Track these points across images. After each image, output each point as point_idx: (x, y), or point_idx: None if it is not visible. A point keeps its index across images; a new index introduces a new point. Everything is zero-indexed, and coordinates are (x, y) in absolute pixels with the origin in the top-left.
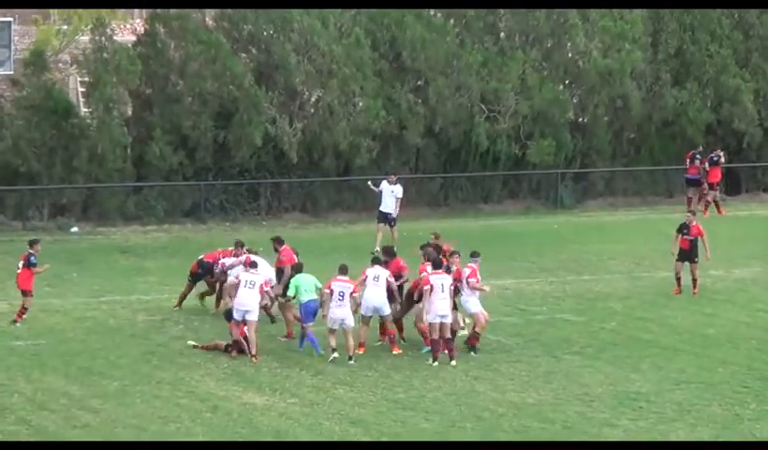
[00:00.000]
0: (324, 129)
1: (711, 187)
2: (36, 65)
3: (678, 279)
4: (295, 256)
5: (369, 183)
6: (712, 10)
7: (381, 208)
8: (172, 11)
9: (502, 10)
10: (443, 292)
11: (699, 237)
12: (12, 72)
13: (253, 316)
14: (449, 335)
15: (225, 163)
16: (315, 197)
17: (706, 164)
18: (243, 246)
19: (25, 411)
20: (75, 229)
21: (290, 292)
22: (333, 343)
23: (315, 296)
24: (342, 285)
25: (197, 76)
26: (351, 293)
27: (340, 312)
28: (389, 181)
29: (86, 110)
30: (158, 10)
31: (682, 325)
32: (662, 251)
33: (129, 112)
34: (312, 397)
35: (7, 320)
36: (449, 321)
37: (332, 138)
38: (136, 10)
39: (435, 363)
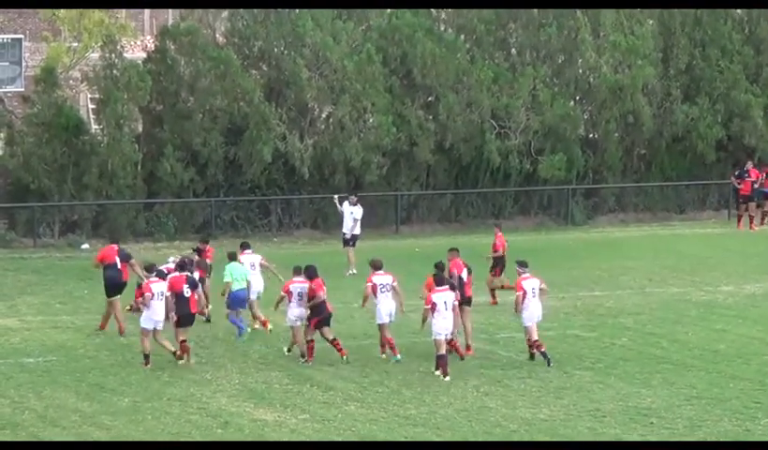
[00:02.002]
0: (335, 146)
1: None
2: (47, 82)
3: None
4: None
5: (335, 198)
6: (722, 25)
7: (343, 229)
8: (182, 27)
9: (513, 25)
10: (447, 309)
11: None
12: (23, 89)
13: (161, 325)
14: (443, 351)
15: (236, 179)
16: (325, 213)
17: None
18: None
19: (36, 427)
20: (86, 246)
21: (226, 278)
22: (299, 339)
23: (244, 286)
24: (300, 286)
25: (207, 92)
26: (307, 293)
27: (299, 312)
28: (350, 201)
29: (97, 127)
30: (168, 26)
31: (693, 341)
32: (673, 267)
33: (140, 129)
34: (323, 414)
35: (19, 336)
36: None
37: (343, 154)
38: (146, 27)
39: (447, 378)
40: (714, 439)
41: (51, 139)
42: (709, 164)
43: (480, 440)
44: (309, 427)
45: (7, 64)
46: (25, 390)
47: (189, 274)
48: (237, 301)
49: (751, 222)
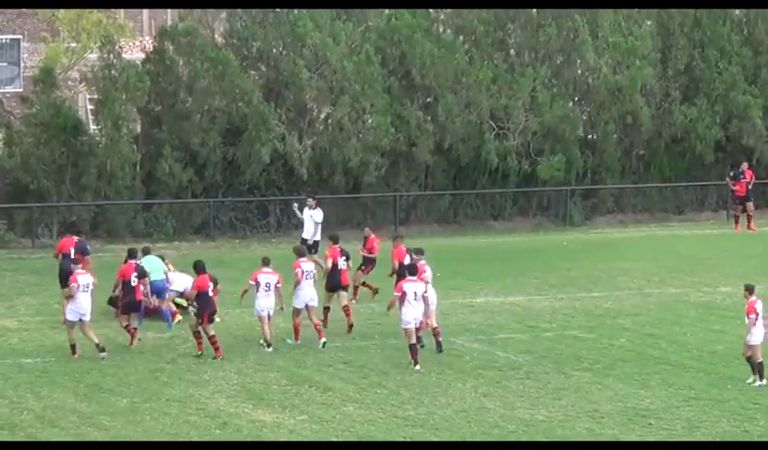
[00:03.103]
0: (334, 146)
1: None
2: (46, 82)
3: None
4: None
5: (294, 205)
6: (721, 26)
7: (303, 234)
8: (181, 27)
9: (511, 26)
10: (416, 299)
11: None
12: (22, 90)
13: (87, 317)
14: (413, 340)
15: (234, 180)
16: (324, 214)
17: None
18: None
19: (35, 428)
20: None
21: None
22: (267, 333)
23: (162, 277)
24: (268, 277)
25: (206, 93)
26: (276, 284)
27: (267, 302)
28: (309, 205)
29: (95, 127)
30: (167, 27)
31: (691, 342)
32: (671, 268)
33: (138, 130)
34: (321, 414)
35: (17, 337)
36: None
37: (342, 155)
38: (145, 27)
39: (417, 367)
40: (712, 440)
41: (50, 139)
42: (708, 165)
43: (478, 440)
44: (307, 428)
45: (6, 64)
46: (23, 390)
47: (138, 263)
48: (156, 290)
49: (749, 222)
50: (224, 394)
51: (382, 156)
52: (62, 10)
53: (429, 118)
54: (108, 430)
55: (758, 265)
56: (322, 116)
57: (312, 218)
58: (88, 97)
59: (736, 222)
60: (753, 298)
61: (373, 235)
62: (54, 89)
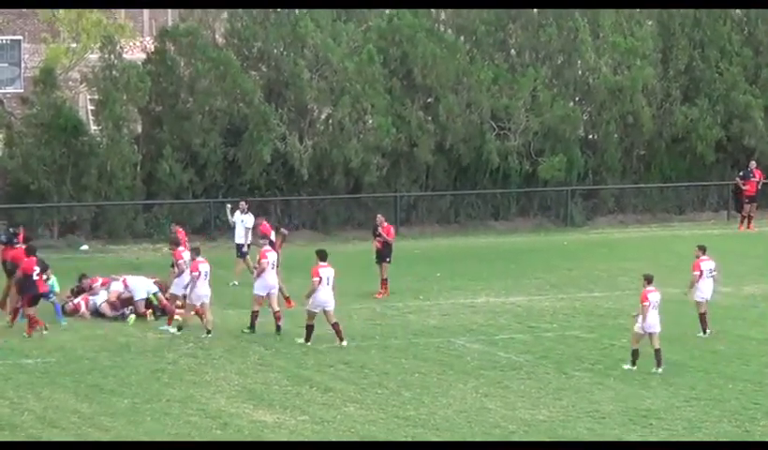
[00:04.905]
0: (334, 147)
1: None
2: (46, 83)
3: None
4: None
5: (228, 207)
6: (722, 26)
7: (236, 240)
8: (182, 28)
9: (512, 26)
10: (328, 284)
11: None
12: (22, 90)
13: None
14: (334, 320)
15: (235, 181)
16: (325, 214)
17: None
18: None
19: (35, 428)
20: (85, 247)
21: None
22: (208, 320)
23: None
24: (206, 266)
25: (206, 93)
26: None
27: (205, 290)
28: (241, 209)
29: (96, 127)
30: (168, 27)
31: (692, 342)
32: (672, 268)
33: (139, 130)
34: (322, 415)
35: (18, 337)
36: (332, 308)
37: (343, 155)
38: (146, 28)
39: (309, 343)
40: (713, 440)
41: (51, 140)
42: (708, 165)
43: (479, 440)
44: (308, 428)
45: (7, 65)
46: (24, 391)
47: (39, 257)
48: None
49: (749, 222)
50: (225, 394)
51: (383, 156)
52: (62, 11)
53: (430, 118)
54: (109, 431)
55: (759, 265)
56: (323, 117)
57: (243, 223)
58: (89, 97)
59: (744, 221)
60: (650, 288)
61: (385, 222)
62: (55, 90)
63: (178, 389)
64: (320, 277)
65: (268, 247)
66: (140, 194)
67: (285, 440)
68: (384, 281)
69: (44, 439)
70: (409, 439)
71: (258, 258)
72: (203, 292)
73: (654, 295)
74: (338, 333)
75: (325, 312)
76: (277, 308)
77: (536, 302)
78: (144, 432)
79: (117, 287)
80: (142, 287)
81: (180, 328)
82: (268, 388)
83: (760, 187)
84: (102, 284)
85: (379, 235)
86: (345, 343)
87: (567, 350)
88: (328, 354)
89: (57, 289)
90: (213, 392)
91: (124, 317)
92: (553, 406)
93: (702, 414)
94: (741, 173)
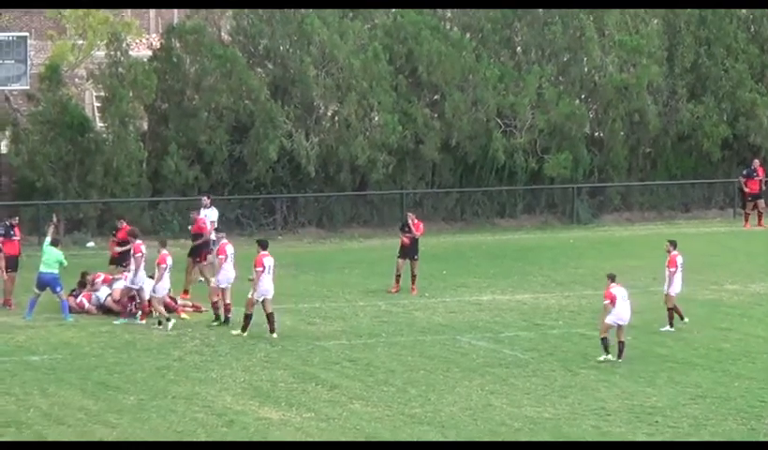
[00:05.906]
0: (341, 144)
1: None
2: (52, 80)
3: None
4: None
5: (204, 199)
6: (727, 24)
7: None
8: (188, 25)
9: (518, 24)
10: (269, 272)
11: None
12: (28, 87)
13: None
14: (270, 310)
15: (241, 178)
16: (331, 211)
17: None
18: None
19: (41, 425)
20: (91, 243)
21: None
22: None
23: (53, 269)
24: (171, 259)
25: (212, 90)
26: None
27: (168, 282)
28: (203, 204)
29: (102, 124)
30: (174, 24)
31: (697, 340)
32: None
33: (145, 127)
34: (328, 412)
35: (24, 334)
36: (271, 296)
37: (349, 152)
38: (152, 25)
39: (245, 334)
40: (719, 438)
41: (57, 137)
42: (715, 163)
43: (484, 438)
44: (314, 426)
45: (13, 62)
46: (30, 388)
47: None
48: (40, 283)
49: (760, 219)
50: (230, 391)
51: (389, 153)
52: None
53: (436, 116)
54: (114, 428)
55: (765, 263)
56: (329, 114)
57: (207, 218)
58: (95, 94)
59: (746, 219)
60: (613, 284)
61: (416, 218)
62: (61, 86)
63: (184, 386)
64: (264, 267)
65: (226, 241)
66: (146, 191)
67: (290, 437)
68: (413, 277)
69: (50, 435)
70: (415, 436)
71: (215, 252)
72: (168, 285)
73: (618, 290)
74: (271, 324)
75: (264, 301)
76: (228, 301)
77: (542, 299)
78: (150, 429)
79: (120, 285)
80: (148, 283)
81: (160, 323)
82: (274, 385)
83: (763, 184)
84: (104, 281)
85: (408, 231)
86: (275, 336)
87: (572, 347)
88: (334, 352)
89: (65, 263)
90: (218, 389)
91: (131, 314)
92: (559, 403)
93: (708, 412)
94: (744, 172)
